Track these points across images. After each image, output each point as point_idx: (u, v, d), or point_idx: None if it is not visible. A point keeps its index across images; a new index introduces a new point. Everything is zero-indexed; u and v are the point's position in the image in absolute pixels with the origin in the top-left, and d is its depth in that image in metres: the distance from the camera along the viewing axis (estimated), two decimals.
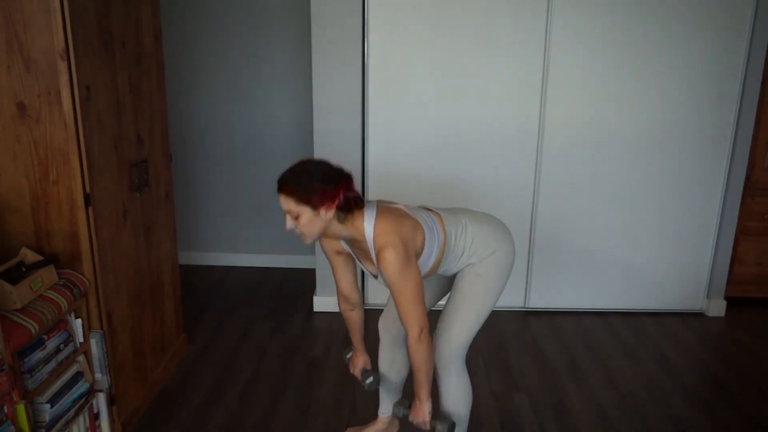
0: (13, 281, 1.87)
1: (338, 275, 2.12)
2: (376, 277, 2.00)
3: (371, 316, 3.44)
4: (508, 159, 3.37)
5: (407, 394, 2.26)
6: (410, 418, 2.02)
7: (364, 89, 3.28)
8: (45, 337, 1.95)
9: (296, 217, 1.77)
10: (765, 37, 3.21)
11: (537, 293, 3.61)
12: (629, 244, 3.51)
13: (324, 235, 1.86)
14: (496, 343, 3.22)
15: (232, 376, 2.88)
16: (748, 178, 3.45)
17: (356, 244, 1.92)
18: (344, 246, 2.00)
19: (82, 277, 2.11)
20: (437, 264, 1.99)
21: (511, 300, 3.61)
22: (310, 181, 1.76)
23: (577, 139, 3.34)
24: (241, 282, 4.02)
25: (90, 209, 2.08)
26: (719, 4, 3.16)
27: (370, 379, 2.23)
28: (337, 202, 1.76)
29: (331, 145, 3.32)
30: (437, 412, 2.08)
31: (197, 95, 3.99)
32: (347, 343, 3.21)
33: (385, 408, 2.38)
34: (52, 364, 1.99)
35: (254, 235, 4.23)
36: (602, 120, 3.32)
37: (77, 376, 2.12)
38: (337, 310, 3.49)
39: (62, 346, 2.03)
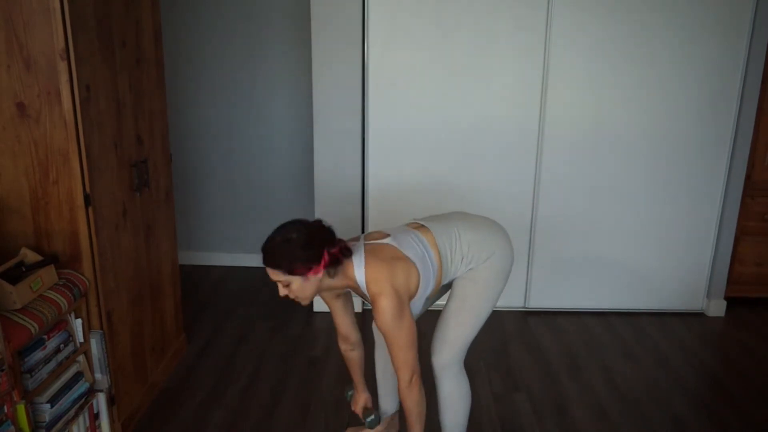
0: (13, 281, 1.87)
1: (338, 319, 2.15)
2: None
3: (369, 317, 3.44)
4: (508, 159, 3.37)
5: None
6: None
7: (364, 89, 3.28)
8: (45, 337, 1.95)
9: (287, 285, 1.78)
10: (765, 37, 3.21)
11: (537, 293, 3.61)
12: (629, 244, 3.51)
13: (320, 291, 1.86)
14: (496, 343, 3.22)
15: (232, 376, 2.88)
16: (748, 177, 3.45)
17: (353, 290, 1.94)
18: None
19: (82, 277, 2.11)
20: (437, 286, 1.99)
21: (511, 300, 3.61)
22: (292, 251, 1.73)
23: (577, 139, 3.34)
24: (241, 282, 4.02)
25: (90, 209, 2.08)
26: (719, 3, 3.16)
27: (372, 417, 2.25)
28: (323, 264, 1.76)
29: (331, 145, 3.33)
30: None
31: (197, 95, 3.99)
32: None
33: (384, 408, 2.38)
34: (52, 364, 1.99)
35: (254, 235, 4.22)
36: (602, 120, 3.32)
37: (77, 376, 2.12)
38: None
39: (62, 346, 2.03)
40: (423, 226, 2.00)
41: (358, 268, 1.83)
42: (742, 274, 3.64)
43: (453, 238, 1.97)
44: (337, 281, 1.85)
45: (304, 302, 1.84)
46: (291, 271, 1.74)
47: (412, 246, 1.91)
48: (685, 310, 3.65)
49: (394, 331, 1.82)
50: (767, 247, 3.61)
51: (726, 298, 3.64)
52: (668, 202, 3.45)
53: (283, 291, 1.80)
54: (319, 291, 1.85)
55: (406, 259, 1.87)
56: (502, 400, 2.72)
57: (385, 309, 1.79)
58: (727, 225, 3.49)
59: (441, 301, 2.17)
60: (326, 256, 1.76)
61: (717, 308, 3.62)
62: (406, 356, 1.85)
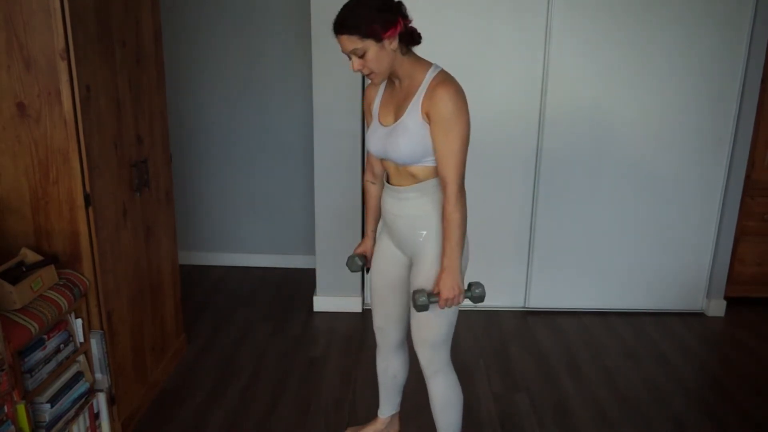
0: (13, 281, 1.87)
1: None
2: (388, 125, 1.85)
3: (371, 315, 3.44)
4: (509, 158, 3.37)
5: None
6: (443, 297, 1.80)
7: (364, 89, 3.28)
8: (45, 337, 1.95)
9: (362, 56, 1.71)
10: (765, 37, 3.21)
11: (537, 293, 3.61)
12: (629, 244, 3.51)
13: (392, 68, 1.78)
14: (496, 343, 3.22)
15: (232, 376, 2.88)
16: (748, 177, 3.45)
17: (403, 86, 1.84)
18: (378, 96, 1.93)
19: (82, 277, 2.11)
20: (426, 172, 1.86)
21: (511, 300, 3.61)
22: (368, 12, 1.68)
23: (577, 138, 3.34)
24: (241, 282, 4.02)
25: (90, 209, 2.08)
26: (719, 3, 3.16)
27: (354, 258, 2.18)
28: (399, 28, 1.71)
29: (331, 145, 3.33)
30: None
31: (197, 95, 3.99)
32: (347, 344, 3.22)
33: (385, 409, 2.37)
34: (52, 364, 1.99)
35: (254, 235, 4.23)
36: (602, 119, 3.32)
37: (77, 376, 2.12)
38: (337, 309, 3.53)
39: (62, 346, 2.03)
40: None
41: (435, 68, 1.81)
42: (742, 274, 3.64)
43: (439, 198, 1.87)
44: (407, 63, 1.79)
45: (377, 79, 1.78)
46: (368, 34, 1.68)
47: None
48: (685, 310, 3.65)
49: (451, 122, 1.71)
50: (767, 247, 3.61)
51: (726, 298, 3.64)
52: (668, 202, 3.45)
53: (357, 63, 1.73)
54: (392, 67, 1.77)
55: None
56: (502, 400, 2.72)
57: (449, 93, 1.71)
58: (727, 225, 3.49)
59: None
60: (402, 23, 1.72)
61: (717, 308, 3.62)
62: (459, 160, 1.74)
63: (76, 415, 2.10)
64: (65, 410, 2.04)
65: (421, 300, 1.83)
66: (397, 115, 1.85)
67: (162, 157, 2.71)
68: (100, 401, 2.24)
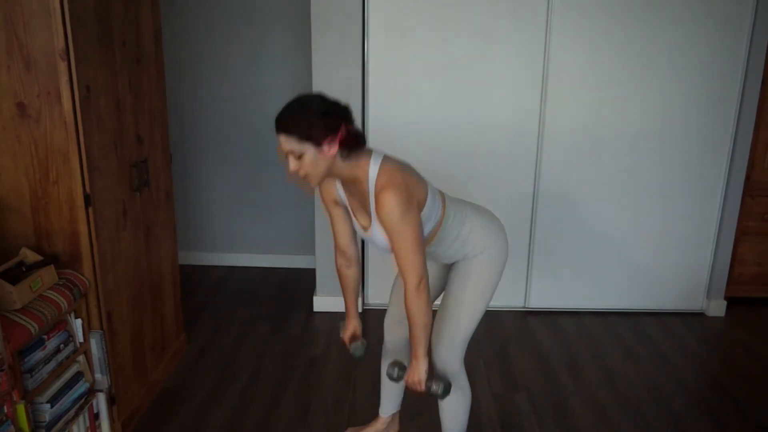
0: (13, 281, 1.87)
1: (336, 228, 2.05)
2: (366, 229, 1.91)
3: (371, 315, 3.44)
4: (508, 158, 3.37)
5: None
6: (405, 378, 1.92)
7: (364, 89, 3.28)
8: (45, 337, 1.95)
9: (299, 158, 1.68)
10: (765, 37, 3.21)
11: (537, 293, 3.61)
12: (629, 244, 3.51)
13: (329, 173, 1.76)
14: (496, 343, 3.22)
15: (232, 376, 2.88)
16: (748, 178, 3.45)
17: (355, 189, 1.85)
18: (340, 196, 1.94)
19: (82, 277, 2.11)
20: (432, 237, 1.94)
21: (511, 300, 3.61)
22: (310, 116, 1.67)
23: (578, 138, 3.34)
24: (241, 282, 4.02)
25: (90, 209, 2.08)
26: (719, 4, 3.16)
27: (357, 343, 2.17)
28: (340, 136, 1.68)
29: None
30: (432, 372, 1.97)
31: (197, 95, 3.99)
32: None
33: (386, 408, 2.38)
34: (52, 364, 1.99)
35: (254, 235, 4.23)
36: (602, 120, 3.32)
37: (77, 376, 2.12)
38: (337, 309, 3.51)
39: (62, 346, 2.03)
40: (439, 190, 1.99)
41: (374, 163, 1.77)
42: (742, 274, 3.65)
43: (460, 214, 1.97)
44: (347, 169, 1.76)
45: (313, 182, 1.74)
46: (307, 137, 1.65)
47: (427, 182, 1.90)
48: (685, 310, 3.65)
49: (400, 228, 1.73)
50: (767, 247, 3.61)
51: (726, 298, 3.64)
52: (668, 202, 3.45)
53: (293, 164, 1.69)
54: (328, 173, 1.75)
55: (420, 176, 1.86)
56: (502, 400, 2.72)
57: (392, 201, 1.70)
58: (727, 225, 3.49)
59: (437, 301, 2.17)
60: (344, 130, 1.69)
61: (717, 308, 3.62)
62: (414, 258, 1.76)
63: (76, 415, 2.10)
64: (65, 410, 2.04)
65: (389, 372, 1.97)
66: (367, 214, 1.88)
67: (162, 157, 2.71)
68: (100, 401, 2.24)
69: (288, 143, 1.68)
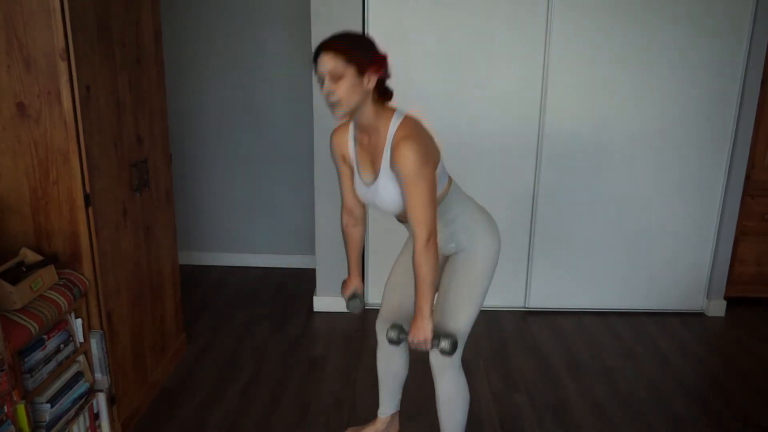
0: (13, 281, 1.87)
1: (344, 186, 2.06)
2: (369, 185, 1.90)
3: (371, 315, 3.44)
4: (508, 158, 3.37)
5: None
6: (409, 339, 1.86)
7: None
8: (45, 337, 1.95)
9: (338, 80, 1.68)
10: (765, 37, 3.21)
11: (537, 293, 3.61)
12: (629, 244, 3.51)
13: (359, 107, 1.76)
14: (496, 343, 3.22)
15: (232, 376, 2.88)
16: (748, 177, 3.45)
17: (368, 141, 1.86)
18: (350, 149, 1.94)
19: (82, 277, 2.11)
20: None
21: (511, 300, 3.61)
22: (362, 43, 1.72)
23: (577, 138, 3.34)
24: (241, 282, 4.02)
25: (90, 209, 2.08)
26: (719, 4, 3.16)
27: (356, 301, 2.17)
28: (382, 72, 1.73)
29: None
30: (436, 331, 1.91)
31: (197, 95, 3.99)
32: (347, 344, 3.21)
33: (385, 408, 2.38)
34: (52, 364, 1.99)
35: (254, 235, 4.23)
36: (602, 120, 3.32)
37: (77, 376, 2.12)
38: (337, 309, 3.52)
39: (62, 346, 2.04)
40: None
41: (397, 117, 1.81)
42: (742, 274, 3.65)
43: (462, 198, 2.00)
44: (372, 114, 1.80)
45: (342, 108, 1.73)
46: (354, 61, 1.68)
47: (439, 151, 1.92)
48: (685, 310, 3.65)
49: (417, 179, 1.73)
50: (767, 247, 3.61)
51: (726, 298, 3.64)
52: (668, 203, 3.45)
53: (329, 86, 1.69)
54: (357, 108, 1.75)
55: (436, 145, 1.88)
56: (501, 399, 2.72)
57: (413, 151, 1.72)
58: (727, 225, 3.49)
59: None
60: (385, 71, 1.75)
61: (717, 308, 3.62)
62: (427, 212, 1.76)
63: (76, 415, 2.10)
64: (65, 410, 2.04)
65: (390, 335, 1.90)
66: (374, 170, 1.88)
67: (162, 157, 2.71)
68: (100, 401, 2.24)
69: (332, 62, 1.68)
